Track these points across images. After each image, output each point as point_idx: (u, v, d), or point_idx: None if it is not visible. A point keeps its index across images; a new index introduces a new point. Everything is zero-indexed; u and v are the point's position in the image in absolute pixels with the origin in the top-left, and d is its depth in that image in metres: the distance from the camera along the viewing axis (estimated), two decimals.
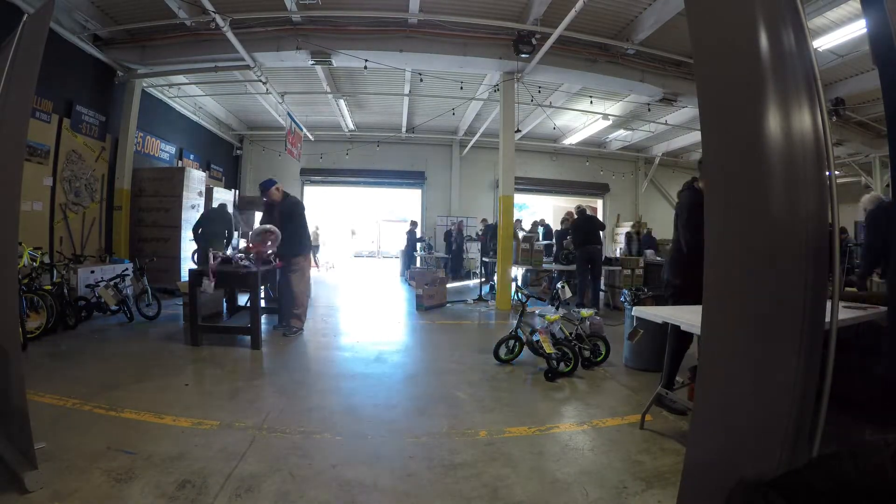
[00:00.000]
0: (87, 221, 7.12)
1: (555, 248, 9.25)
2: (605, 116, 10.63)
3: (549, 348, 3.94)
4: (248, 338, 4.63)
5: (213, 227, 7.12)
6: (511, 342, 4.35)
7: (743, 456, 1.45)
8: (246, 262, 4.91)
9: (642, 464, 2.47)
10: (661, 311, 2.86)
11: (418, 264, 11.75)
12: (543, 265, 8.24)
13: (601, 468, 2.42)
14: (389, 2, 6.49)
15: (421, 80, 8.42)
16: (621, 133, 12.85)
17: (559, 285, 5.19)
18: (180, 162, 9.94)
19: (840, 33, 6.22)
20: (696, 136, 11.49)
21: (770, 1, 1.55)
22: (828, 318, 1.52)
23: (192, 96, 10.09)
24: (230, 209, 8.47)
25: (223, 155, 12.77)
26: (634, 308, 3.06)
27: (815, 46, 1.76)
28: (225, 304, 5.93)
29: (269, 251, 5.08)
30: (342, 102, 10.54)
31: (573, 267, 7.73)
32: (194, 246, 7.25)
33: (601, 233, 8.08)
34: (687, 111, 9.80)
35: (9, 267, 2.35)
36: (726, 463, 1.44)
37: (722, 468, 1.43)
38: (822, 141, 1.51)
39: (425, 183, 14.25)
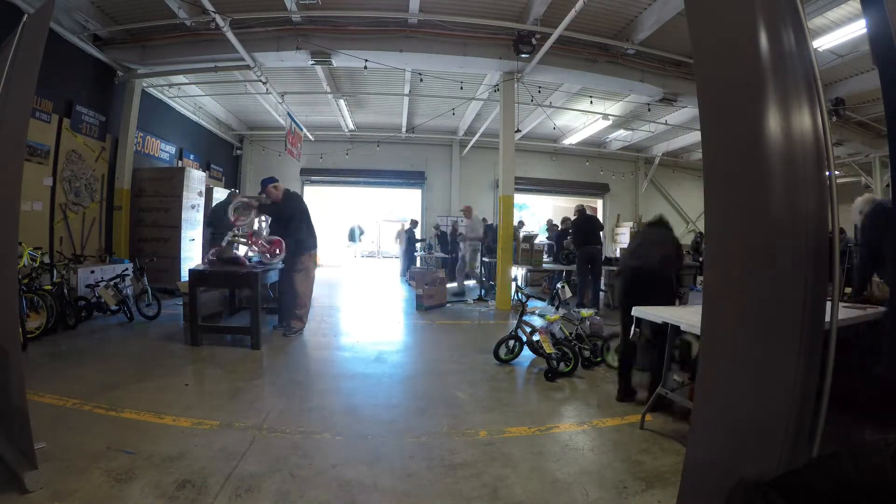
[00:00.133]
0: (87, 221, 7.12)
1: (555, 249, 9.25)
2: (605, 116, 10.61)
3: (549, 348, 3.94)
4: (248, 338, 4.64)
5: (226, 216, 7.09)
6: (511, 342, 4.36)
7: (743, 456, 1.45)
8: (251, 253, 4.88)
9: (642, 464, 2.47)
10: (661, 311, 2.86)
11: (418, 264, 11.73)
12: (544, 265, 8.24)
13: (601, 468, 2.42)
14: (389, 2, 6.49)
15: (421, 80, 8.41)
16: (621, 133, 12.83)
17: (559, 285, 5.20)
18: (180, 162, 9.92)
19: (840, 33, 6.21)
20: (696, 136, 11.46)
21: (770, 1, 1.55)
22: (828, 319, 1.52)
23: (192, 96, 10.07)
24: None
25: (223, 155, 12.75)
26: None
27: (815, 46, 1.76)
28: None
29: (276, 259, 5.11)
30: (342, 102, 10.53)
31: (573, 267, 7.74)
32: (194, 246, 7.21)
33: (601, 233, 8.09)
34: (687, 111, 9.79)
35: (9, 267, 2.35)
36: (726, 463, 1.45)
37: (722, 468, 1.43)
38: (822, 141, 1.51)
39: (425, 183, 14.24)
